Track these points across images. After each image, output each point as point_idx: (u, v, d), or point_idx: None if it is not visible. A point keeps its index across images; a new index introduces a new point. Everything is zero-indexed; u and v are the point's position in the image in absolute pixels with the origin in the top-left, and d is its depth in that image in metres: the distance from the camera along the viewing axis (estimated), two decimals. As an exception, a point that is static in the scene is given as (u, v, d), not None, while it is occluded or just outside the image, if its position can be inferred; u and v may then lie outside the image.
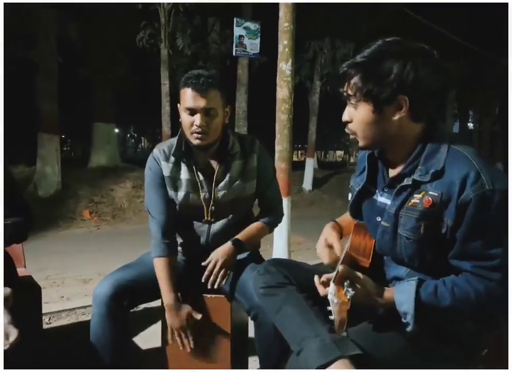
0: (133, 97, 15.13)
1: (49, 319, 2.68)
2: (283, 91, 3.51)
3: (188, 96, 1.59)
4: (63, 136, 20.82)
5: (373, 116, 1.10)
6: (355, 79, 1.09)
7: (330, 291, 1.04)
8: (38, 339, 1.82)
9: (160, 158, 1.71)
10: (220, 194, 1.70)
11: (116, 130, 12.56)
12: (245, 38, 8.10)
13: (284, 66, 3.50)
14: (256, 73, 9.89)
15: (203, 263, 1.62)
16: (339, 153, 44.73)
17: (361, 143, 1.16)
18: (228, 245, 1.65)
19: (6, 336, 1.35)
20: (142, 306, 2.63)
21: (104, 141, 9.94)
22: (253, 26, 8.08)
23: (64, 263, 4.33)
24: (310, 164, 11.04)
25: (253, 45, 8.19)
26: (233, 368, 1.64)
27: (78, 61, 10.07)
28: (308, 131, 11.52)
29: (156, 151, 1.73)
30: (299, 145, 37.20)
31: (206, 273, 1.60)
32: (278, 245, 3.56)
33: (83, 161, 10.37)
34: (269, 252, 3.67)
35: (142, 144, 40.13)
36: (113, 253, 4.49)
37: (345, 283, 1.02)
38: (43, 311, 2.69)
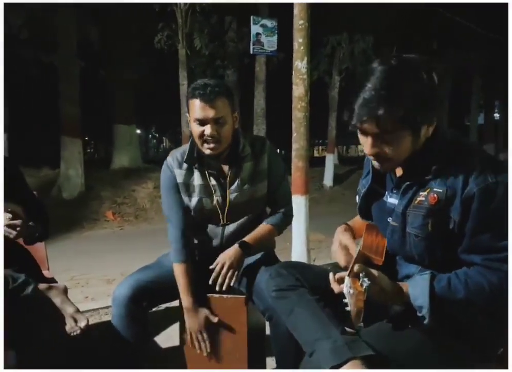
0: (154, 98, 15.31)
1: (74, 319, 2.75)
2: (299, 89, 3.49)
3: (197, 107, 1.61)
4: (86, 138, 21.24)
5: (411, 139, 1.09)
6: (387, 114, 1.02)
7: (346, 284, 1.06)
8: (62, 340, 1.87)
9: (173, 165, 1.75)
10: (233, 196, 1.73)
11: (138, 131, 12.79)
12: (263, 36, 8.06)
13: (300, 64, 3.48)
14: (274, 70, 9.87)
15: (210, 267, 1.64)
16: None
17: (391, 167, 1.15)
18: (235, 248, 1.67)
19: (75, 321, 1.55)
20: (163, 306, 2.68)
21: (125, 142, 10.09)
22: (270, 23, 8.04)
23: (88, 263, 4.43)
24: (330, 160, 10.97)
25: (270, 43, 8.14)
26: (250, 367, 1.66)
27: (99, 64, 10.25)
28: (328, 127, 11.45)
29: (169, 158, 1.77)
30: (320, 141, 36.94)
31: (213, 274, 1.62)
32: (296, 243, 3.56)
33: (106, 162, 10.55)
34: (289, 251, 3.68)
35: (164, 144, 40.58)
36: (136, 253, 4.56)
37: (361, 275, 1.03)
38: (68, 312, 2.77)
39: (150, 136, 35.06)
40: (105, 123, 12.09)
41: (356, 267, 1.06)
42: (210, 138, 1.62)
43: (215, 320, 1.65)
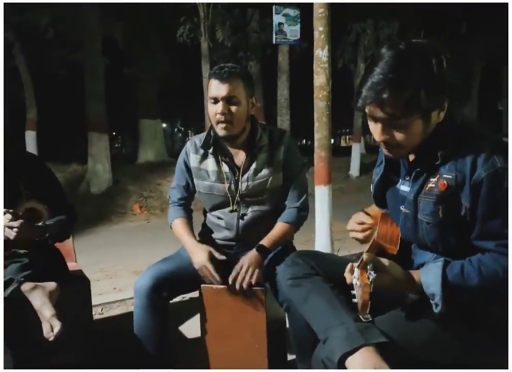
0: (178, 92, 15.41)
1: (102, 309, 2.83)
2: (320, 78, 3.44)
3: (211, 86, 1.66)
4: (114, 133, 21.62)
5: (422, 124, 1.08)
6: (393, 97, 1.02)
7: (354, 276, 1.06)
8: (88, 330, 1.92)
9: (190, 150, 1.81)
10: (244, 185, 1.74)
11: (164, 125, 12.95)
12: (285, 25, 7.97)
13: (321, 53, 3.43)
14: (297, 60, 9.77)
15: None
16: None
17: (402, 154, 1.15)
18: (253, 253, 1.68)
19: (51, 328, 1.47)
20: (187, 297, 2.71)
21: (150, 137, 10.24)
22: (292, 12, 7.94)
23: (116, 256, 4.53)
24: (356, 149, 10.82)
25: (293, 32, 8.03)
26: (270, 358, 1.67)
27: (123, 60, 10.39)
28: (354, 115, 11.29)
29: (188, 143, 1.84)
30: (347, 130, 36.49)
31: (233, 273, 1.65)
32: (320, 234, 3.54)
33: (133, 157, 10.74)
34: (314, 242, 3.66)
35: (189, 137, 40.99)
36: (162, 246, 4.60)
37: (368, 267, 1.03)
38: (97, 302, 2.85)
39: (176, 129, 35.42)
40: (131, 118, 12.29)
41: (365, 257, 1.05)
42: (222, 117, 1.64)
43: (221, 257, 1.69)
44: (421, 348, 1.11)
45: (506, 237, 1.05)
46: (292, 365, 1.71)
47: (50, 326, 1.47)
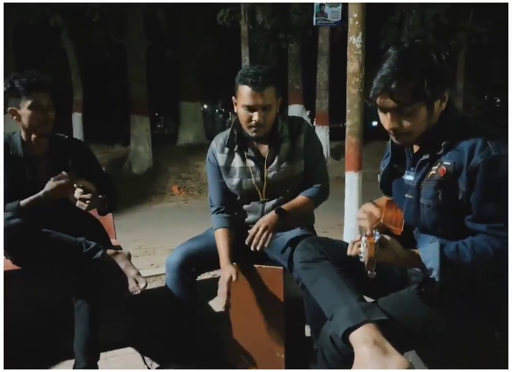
0: (219, 74, 15.50)
1: (139, 283, 3.03)
2: (353, 65, 3.44)
3: (246, 94, 1.70)
4: (156, 114, 22.01)
5: (426, 112, 1.20)
6: (400, 87, 1.15)
7: (362, 244, 1.16)
8: (125, 300, 2.11)
9: (216, 150, 1.89)
10: (270, 175, 1.84)
11: (205, 106, 13.10)
12: (326, 6, 7.82)
13: (354, 40, 3.42)
14: (338, 42, 9.60)
15: (249, 231, 1.77)
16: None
17: (409, 141, 1.26)
18: (272, 213, 1.79)
19: (137, 283, 1.78)
20: (218, 274, 2.86)
21: (190, 119, 10.44)
22: (333, -7, 7.78)
23: (155, 234, 4.76)
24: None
25: (334, 13, 7.81)
26: (288, 332, 1.80)
27: (165, 43, 10.55)
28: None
29: (213, 144, 1.92)
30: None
31: (249, 236, 1.74)
32: (348, 220, 3.59)
33: (174, 138, 11.01)
34: (343, 228, 3.72)
35: (230, 119, 41.08)
36: (198, 225, 4.78)
37: (374, 231, 1.14)
38: (135, 277, 3.05)
39: (217, 111, 35.64)
40: (172, 99, 12.52)
41: (368, 232, 1.15)
42: (257, 123, 1.73)
43: (242, 279, 1.79)
44: (422, 326, 1.22)
45: (497, 220, 1.16)
46: (309, 340, 1.83)
47: (135, 282, 1.78)
